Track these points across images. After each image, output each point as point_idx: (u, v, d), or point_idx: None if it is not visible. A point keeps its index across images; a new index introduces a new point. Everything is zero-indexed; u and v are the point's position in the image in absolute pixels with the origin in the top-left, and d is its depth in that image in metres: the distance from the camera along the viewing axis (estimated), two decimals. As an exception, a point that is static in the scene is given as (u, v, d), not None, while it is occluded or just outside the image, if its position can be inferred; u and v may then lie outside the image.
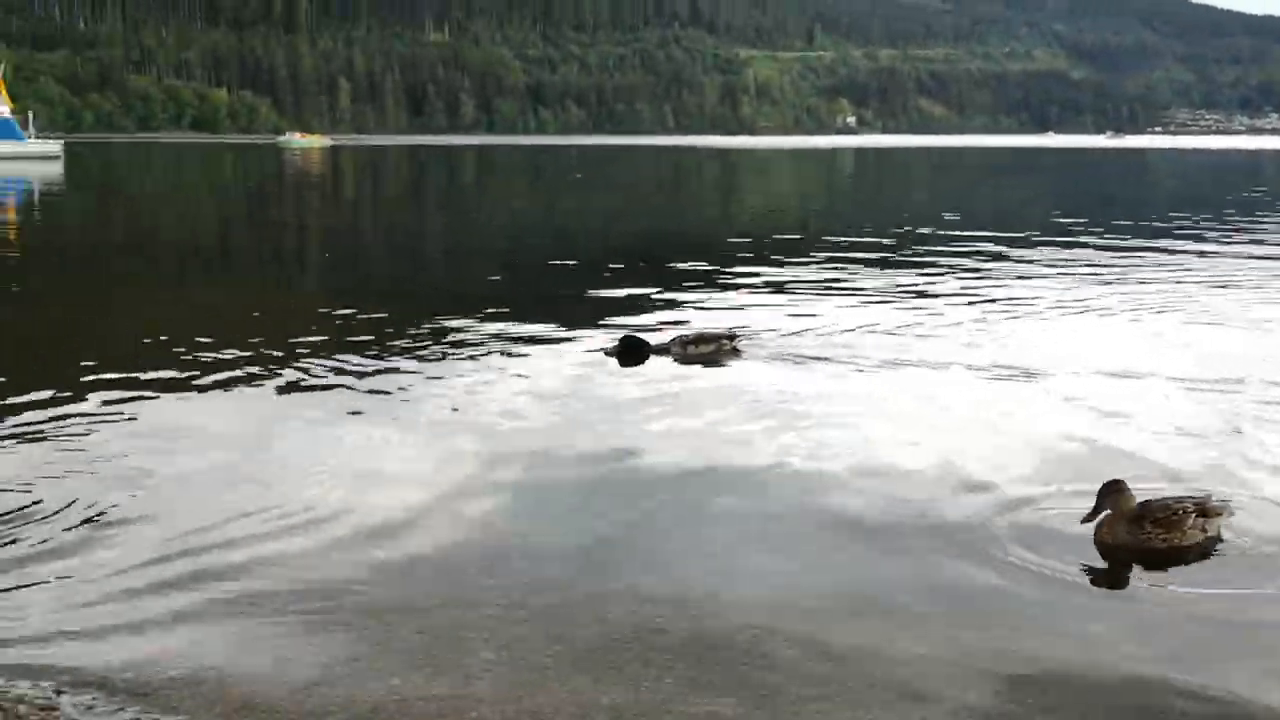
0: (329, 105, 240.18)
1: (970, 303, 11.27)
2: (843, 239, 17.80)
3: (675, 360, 8.16)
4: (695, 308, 10.96)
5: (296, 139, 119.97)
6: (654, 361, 8.21)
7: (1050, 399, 7.36)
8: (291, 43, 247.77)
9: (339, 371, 7.94)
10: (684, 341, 8.28)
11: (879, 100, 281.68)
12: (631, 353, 8.21)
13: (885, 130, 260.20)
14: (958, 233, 18.71)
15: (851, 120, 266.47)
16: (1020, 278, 13.24)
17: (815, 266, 14.17)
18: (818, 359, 8.38)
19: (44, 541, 4.81)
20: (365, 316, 10.33)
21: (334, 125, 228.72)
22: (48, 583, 4.42)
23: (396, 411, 6.93)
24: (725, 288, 12.37)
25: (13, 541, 4.77)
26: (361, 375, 7.84)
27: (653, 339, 8.61)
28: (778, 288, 12.46)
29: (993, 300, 11.47)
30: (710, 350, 8.25)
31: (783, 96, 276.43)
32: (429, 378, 7.83)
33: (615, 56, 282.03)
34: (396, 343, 8.94)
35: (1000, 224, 21.19)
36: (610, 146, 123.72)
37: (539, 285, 13.69)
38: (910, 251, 15.95)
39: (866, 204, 29.46)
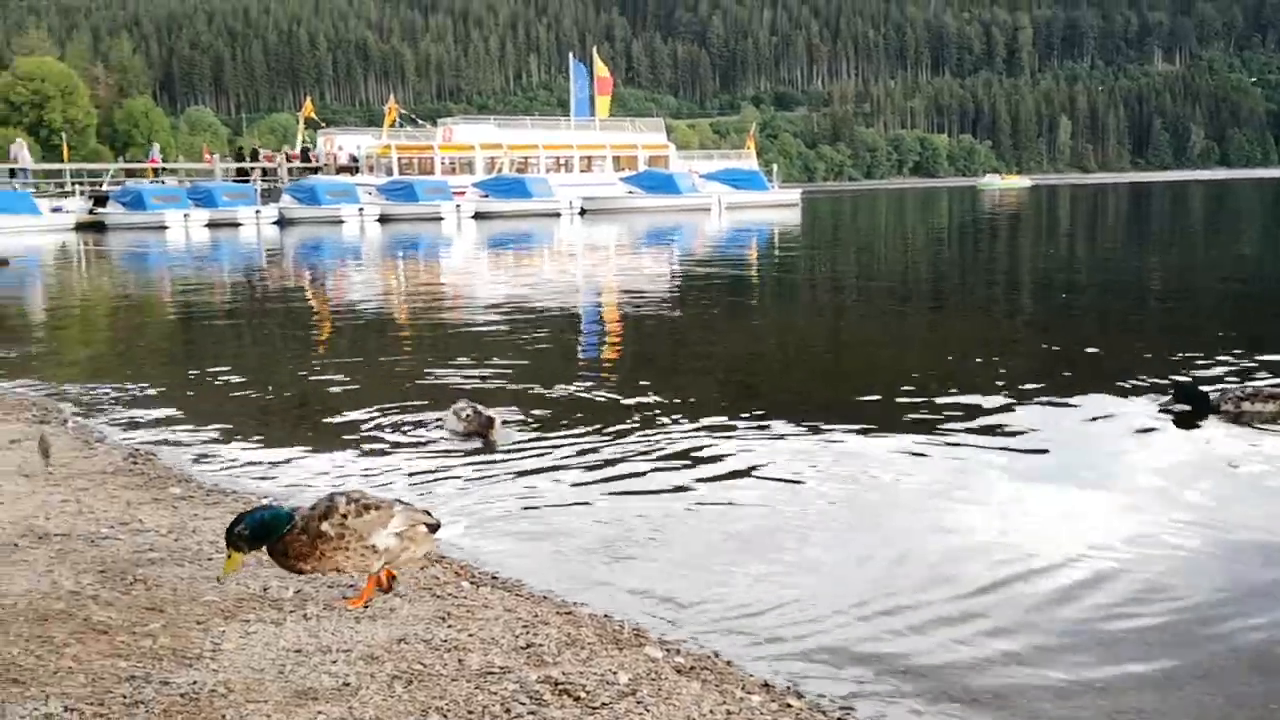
0: (1048, 144, 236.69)
1: None
2: None
3: (1225, 419, 6.85)
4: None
5: (997, 180, 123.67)
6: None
7: None
8: (1012, 85, 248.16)
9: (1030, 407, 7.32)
10: (1238, 397, 6.98)
11: None
12: (1192, 404, 7.03)
13: None
14: None
15: None
16: None
17: None
18: None
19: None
20: (1061, 355, 9.70)
21: (1052, 164, 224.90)
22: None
23: (1072, 459, 6.19)
24: None
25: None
26: (1045, 408, 7.28)
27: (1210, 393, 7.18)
28: None
29: None
30: (1271, 410, 6.83)
31: None
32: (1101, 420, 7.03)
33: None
34: (1097, 387, 7.87)
35: None
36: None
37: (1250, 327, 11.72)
38: None
39: None
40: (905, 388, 8.11)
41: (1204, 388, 7.28)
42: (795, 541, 4.85)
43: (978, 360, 9.48)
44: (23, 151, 52.05)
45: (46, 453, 5.87)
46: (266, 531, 3.62)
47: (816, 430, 6.80)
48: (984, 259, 24.33)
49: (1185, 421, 6.89)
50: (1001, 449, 6.37)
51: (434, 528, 3.92)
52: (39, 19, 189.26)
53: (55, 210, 45.93)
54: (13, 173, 50.97)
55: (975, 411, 7.27)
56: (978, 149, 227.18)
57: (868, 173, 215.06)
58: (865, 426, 6.89)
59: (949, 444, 6.47)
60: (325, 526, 3.63)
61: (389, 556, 3.76)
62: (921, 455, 6.23)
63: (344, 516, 3.66)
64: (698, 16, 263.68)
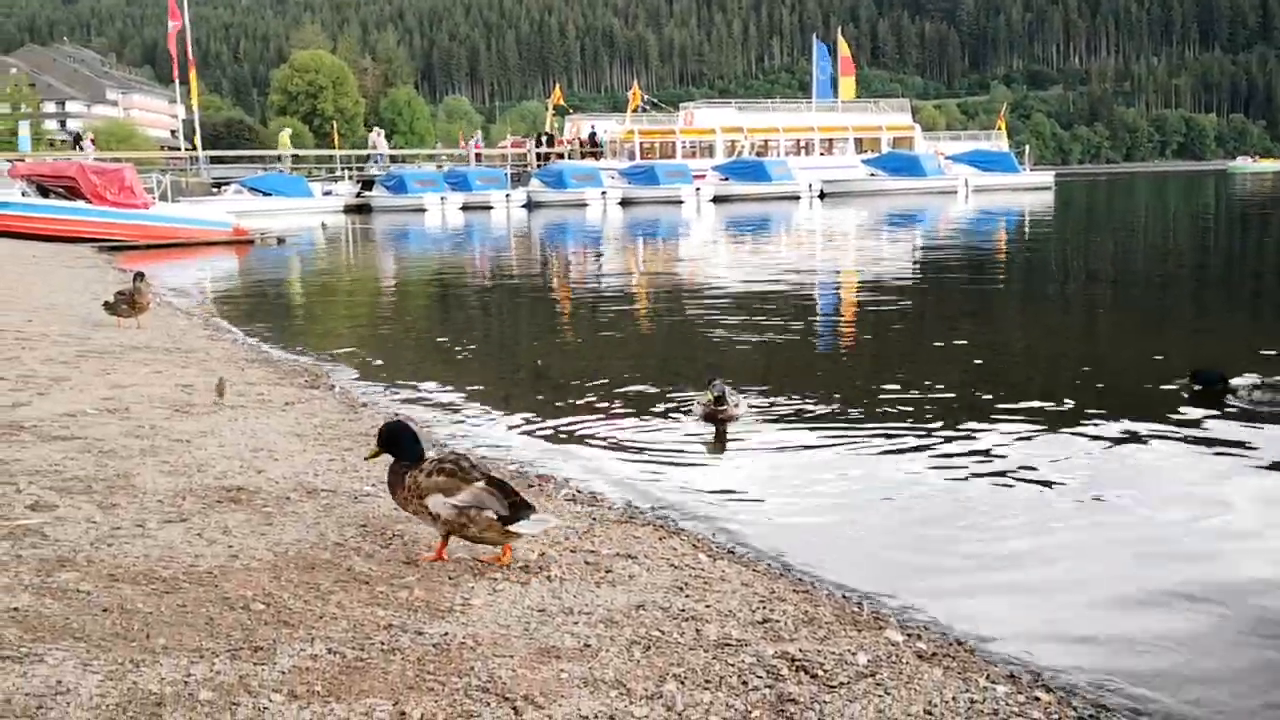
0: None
1: None
2: None
3: (1242, 405, 6.72)
4: None
5: (1249, 163, 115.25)
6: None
7: None
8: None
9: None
10: (1253, 385, 6.87)
11: None
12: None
13: None
14: None
15: None
16: None
17: None
18: None
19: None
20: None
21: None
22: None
23: None
24: None
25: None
26: None
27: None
28: None
29: None
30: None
31: None
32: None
33: None
34: None
35: None
36: None
37: None
38: None
39: None
40: (1162, 381, 7.63)
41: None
42: (1043, 535, 4.66)
43: (1243, 354, 8.82)
44: (380, 139, 56.61)
45: (222, 392, 6.80)
46: (392, 443, 3.95)
47: (1065, 424, 6.48)
48: (1250, 247, 22.66)
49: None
50: (1273, 450, 5.91)
51: (505, 520, 3.75)
52: (313, 15, 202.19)
53: (327, 193, 49.01)
54: (367, 158, 55.29)
55: (1239, 410, 6.77)
56: (1250, 129, 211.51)
57: (1127, 155, 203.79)
58: (1118, 420, 6.52)
59: (1209, 442, 6.06)
60: (412, 471, 3.84)
61: (446, 527, 3.83)
62: (1178, 453, 5.86)
63: (420, 471, 3.83)
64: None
